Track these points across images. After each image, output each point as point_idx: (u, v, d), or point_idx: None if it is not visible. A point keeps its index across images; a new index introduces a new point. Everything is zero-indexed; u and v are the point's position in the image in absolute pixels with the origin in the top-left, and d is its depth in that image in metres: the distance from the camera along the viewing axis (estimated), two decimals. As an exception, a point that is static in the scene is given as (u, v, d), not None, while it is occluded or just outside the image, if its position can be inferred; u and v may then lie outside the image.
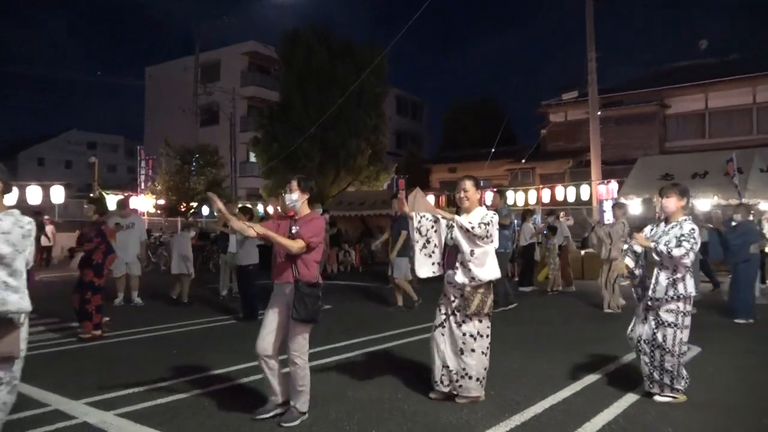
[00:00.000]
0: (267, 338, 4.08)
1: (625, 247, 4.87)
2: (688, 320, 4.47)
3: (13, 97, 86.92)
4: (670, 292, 4.40)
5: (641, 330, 4.58)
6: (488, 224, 4.42)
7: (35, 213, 15.43)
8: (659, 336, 4.45)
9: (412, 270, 5.53)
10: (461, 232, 4.42)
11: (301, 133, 22.48)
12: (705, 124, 23.33)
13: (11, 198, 5.45)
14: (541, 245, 12.83)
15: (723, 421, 4.15)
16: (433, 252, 4.61)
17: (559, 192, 17.96)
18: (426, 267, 4.61)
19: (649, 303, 4.51)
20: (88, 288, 7.12)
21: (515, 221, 15.19)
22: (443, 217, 4.62)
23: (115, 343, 6.89)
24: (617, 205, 9.67)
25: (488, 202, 12.34)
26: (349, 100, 21.65)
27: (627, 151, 22.38)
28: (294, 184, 4.19)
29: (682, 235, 4.41)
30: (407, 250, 8.81)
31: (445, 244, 4.60)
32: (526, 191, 19.21)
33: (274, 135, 23.99)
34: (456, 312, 4.49)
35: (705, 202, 15.34)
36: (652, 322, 4.51)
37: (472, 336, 4.45)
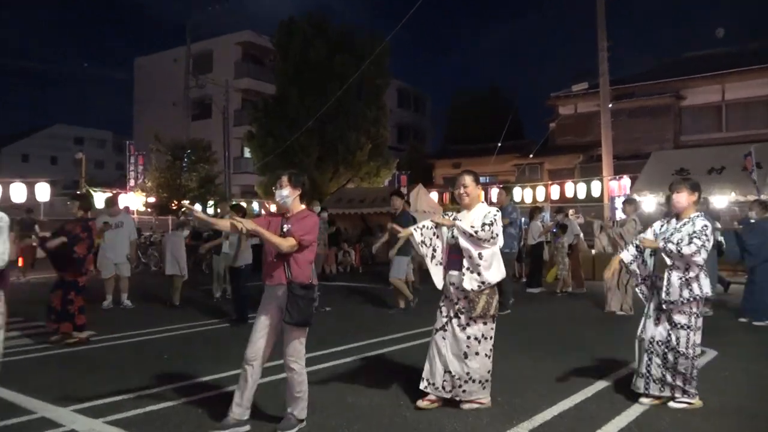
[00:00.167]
0: (257, 344, 4.06)
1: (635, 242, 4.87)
2: (700, 322, 4.49)
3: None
4: (685, 294, 4.40)
5: (653, 331, 4.59)
6: (491, 224, 4.42)
7: (27, 210, 15.45)
8: (672, 338, 4.47)
9: (418, 271, 5.51)
10: (465, 237, 4.43)
11: (297, 127, 22.48)
12: (722, 117, 23.32)
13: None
14: (549, 244, 12.83)
15: (740, 428, 4.16)
16: (442, 260, 4.63)
17: (569, 188, 17.99)
18: (441, 275, 4.62)
19: (663, 306, 4.51)
20: (71, 288, 7.09)
21: (522, 219, 15.25)
22: (443, 225, 4.61)
23: (103, 348, 6.91)
24: (628, 201, 9.67)
25: (494, 199, 12.34)
26: (348, 92, 21.65)
27: (640, 146, 22.37)
28: (284, 179, 4.18)
29: (694, 232, 4.42)
30: (408, 249, 8.82)
31: (447, 243, 4.62)
32: (534, 188, 19.21)
33: (269, 129, 23.99)
34: (459, 314, 4.49)
35: (722, 199, 15.36)
36: (666, 324, 4.52)
37: (476, 339, 4.46)
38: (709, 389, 4.87)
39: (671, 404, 4.51)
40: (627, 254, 4.81)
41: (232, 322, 8.45)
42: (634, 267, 4.77)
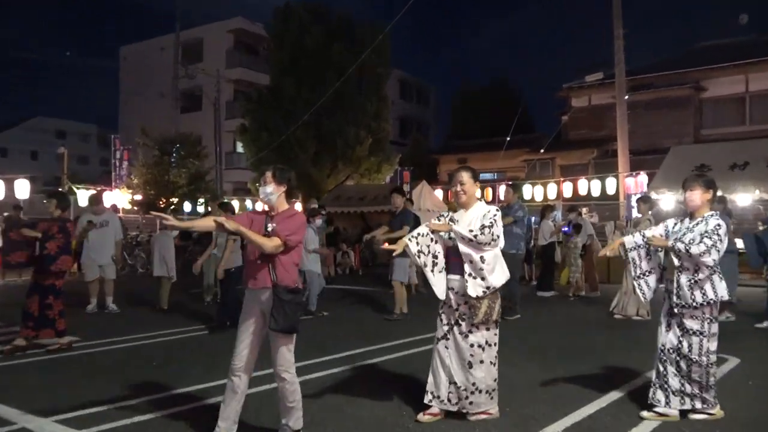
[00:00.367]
0: (243, 353, 4.04)
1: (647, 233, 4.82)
2: (715, 327, 4.47)
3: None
4: (698, 297, 4.39)
5: (664, 338, 4.60)
6: (491, 226, 4.41)
7: (14, 207, 15.42)
8: (684, 345, 4.47)
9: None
10: (464, 242, 4.41)
11: (293, 120, 22.48)
12: (745, 109, 23.28)
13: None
14: (561, 245, 12.84)
15: (765, 441, 4.15)
16: (443, 268, 4.61)
17: (582, 185, 17.97)
18: (444, 284, 4.57)
19: (675, 310, 4.52)
20: (49, 292, 7.03)
21: (533, 218, 15.24)
22: (440, 231, 4.58)
23: (86, 355, 6.91)
24: (643, 199, 9.66)
25: (502, 197, 12.32)
26: (347, 83, 21.65)
27: (658, 140, 22.35)
28: (269, 175, 4.14)
29: (706, 231, 4.41)
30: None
31: (445, 244, 4.61)
32: (545, 185, 19.21)
33: (263, 122, 24.00)
34: (460, 321, 4.49)
35: (745, 197, 15.32)
36: (677, 330, 4.52)
37: (480, 347, 4.46)
38: (731, 399, 4.87)
39: (691, 416, 4.50)
40: (630, 239, 4.80)
41: (226, 326, 8.34)
42: (633, 255, 4.74)
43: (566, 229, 12.38)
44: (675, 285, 4.47)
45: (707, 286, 4.40)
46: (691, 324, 4.46)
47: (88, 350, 7.12)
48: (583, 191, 17.96)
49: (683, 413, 4.52)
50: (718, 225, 4.42)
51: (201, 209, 21.85)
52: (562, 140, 26.40)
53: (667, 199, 15.87)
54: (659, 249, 4.66)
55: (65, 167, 20.68)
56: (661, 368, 4.58)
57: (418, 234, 4.64)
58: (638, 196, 13.93)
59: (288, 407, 4.08)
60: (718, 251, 4.35)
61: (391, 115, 27.34)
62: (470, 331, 4.46)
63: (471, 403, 4.48)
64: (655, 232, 4.75)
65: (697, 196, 4.58)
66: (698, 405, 4.48)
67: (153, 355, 6.83)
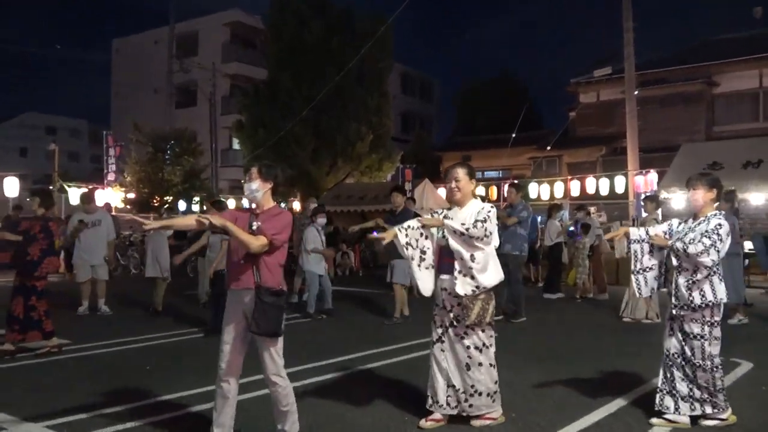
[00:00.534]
0: (229, 357, 4.03)
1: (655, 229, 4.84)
2: (717, 331, 4.47)
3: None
4: (696, 299, 4.40)
5: (668, 342, 4.62)
6: (485, 221, 4.41)
7: (15, 207, 15.42)
8: (686, 350, 4.49)
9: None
10: (455, 237, 4.42)
11: (291, 115, 22.49)
12: (759, 105, 23.29)
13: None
14: (568, 245, 12.85)
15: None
16: (433, 263, 4.62)
17: (590, 184, 17.95)
18: (431, 281, 4.59)
19: (674, 312, 4.55)
20: (31, 293, 7.03)
21: (539, 218, 15.25)
22: (431, 225, 4.59)
23: (78, 358, 6.93)
24: (650, 198, 9.67)
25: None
26: (347, 77, 21.64)
27: (669, 137, 22.34)
28: (254, 171, 4.13)
29: (706, 230, 4.42)
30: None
31: (436, 242, 4.62)
32: (551, 183, 19.19)
33: (260, 118, 24.00)
34: (455, 323, 4.50)
35: (758, 196, 15.32)
36: (679, 334, 4.55)
37: (477, 348, 4.47)
38: (745, 405, 4.88)
39: (703, 422, 4.51)
40: (635, 231, 4.82)
41: (208, 331, 8.26)
42: (636, 247, 4.75)
43: (572, 229, 12.38)
44: (673, 286, 4.51)
45: (706, 287, 4.41)
46: (691, 327, 4.47)
47: (79, 354, 7.14)
48: (591, 190, 17.94)
49: (694, 419, 4.52)
50: (719, 224, 4.42)
51: (196, 208, 21.87)
52: (569, 137, 26.40)
53: (678, 199, 15.86)
54: (662, 248, 4.68)
55: (56, 164, 20.73)
56: (668, 373, 4.59)
57: (409, 226, 4.62)
58: (647, 194, 13.96)
59: (282, 411, 4.08)
60: (718, 251, 4.35)
61: (392, 110, 27.35)
62: (465, 333, 4.47)
63: (471, 405, 4.50)
64: (658, 230, 4.77)
65: (700, 195, 4.60)
66: (708, 410, 4.49)
67: (146, 360, 6.84)
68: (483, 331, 4.49)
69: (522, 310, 9.33)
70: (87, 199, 10.92)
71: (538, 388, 5.55)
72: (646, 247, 4.73)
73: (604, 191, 17.64)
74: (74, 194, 17.93)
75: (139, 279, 14.28)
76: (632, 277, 4.78)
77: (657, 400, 4.62)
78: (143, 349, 7.53)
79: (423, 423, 4.53)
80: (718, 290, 4.42)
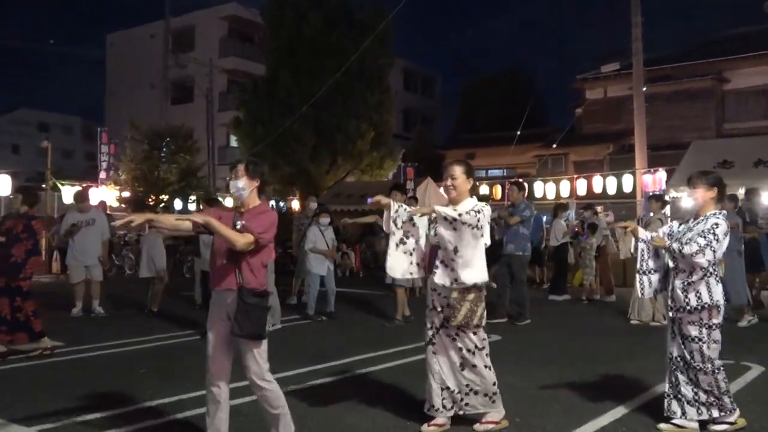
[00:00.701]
0: (217, 360, 4.01)
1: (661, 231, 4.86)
2: (715, 334, 4.46)
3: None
4: (693, 301, 4.40)
5: (671, 346, 4.64)
6: (478, 212, 4.41)
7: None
8: (686, 353, 4.50)
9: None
10: (445, 224, 4.38)
11: (290, 112, 22.48)
12: (771, 102, 23.26)
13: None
14: (574, 245, 12.85)
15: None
16: (413, 250, 4.62)
17: (597, 183, 17.96)
18: (402, 266, 4.62)
19: (671, 314, 4.57)
20: (16, 294, 7.01)
21: (544, 218, 15.25)
22: (422, 214, 4.59)
23: (71, 361, 6.94)
24: (655, 198, 9.67)
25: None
26: (347, 73, 21.62)
27: (678, 134, 22.35)
28: (241, 168, 4.10)
29: (702, 230, 4.43)
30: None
31: (428, 241, 4.62)
32: (557, 182, 19.20)
33: (258, 115, 23.99)
34: (445, 324, 4.51)
35: (770, 196, 15.28)
36: (678, 338, 4.56)
37: (469, 350, 4.47)
38: (756, 410, 4.88)
39: (711, 427, 4.51)
40: (644, 231, 4.85)
41: (204, 333, 8.30)
42: (643, 246, 4.77)
43: (585, 237, 12.30)
44: (670, 287, 4.53)
45: (702, 289, 4.41)
46: (689, 330, 4.47)
47: (72, 356, 7.15)
48: (597, 189, 17.94)
49: (702, 424, 4.52)
50: (716, 224, 4.42)
51: (192, 207, 21.88)
52: (575, 134, 26.40)
53: (687, 198, 15.85)
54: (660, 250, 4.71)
55: (49, 162, 20.71)
56: (673, 378, 4.60)
57: (402, 207, 4.68)
58: (654, 193, 13.94)
59: (273, 415, 4.04)
60: (714, 251, 4.34)
61: (394, 107, 27.32)
62: (456, 335, 4.48)
63: (467, 404, 4.52)
64: (660, 232, 4.79)
65: (699, 194, 4.60)
66: (715, 413, 4.48)
67: (140, 362, 6.85)
68: (475, 333, 4.48)
69: (527, 312, 9.34)
70: (80, 197, 10.91)
71: (543, 391, 5.56)
72: (653, 247, 4.74)
73: (612, 190, 17.63)
74: (68, 192, 17.94)
75: (133, 280, 14.29)
76: (637, 276, 4.81)
77: (665, 405, 4.62)
78: (138, 351, 7.54)
79: (425, 428, 4.54)
80: (714, 292, 4.42)
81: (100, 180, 23.08)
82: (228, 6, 36.18)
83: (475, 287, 4.44)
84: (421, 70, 45.69)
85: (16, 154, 48.75)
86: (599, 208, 13.56)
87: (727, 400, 4.47)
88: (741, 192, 14.66)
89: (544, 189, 19.07)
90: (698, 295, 4.41)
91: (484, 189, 19.43)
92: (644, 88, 17.45)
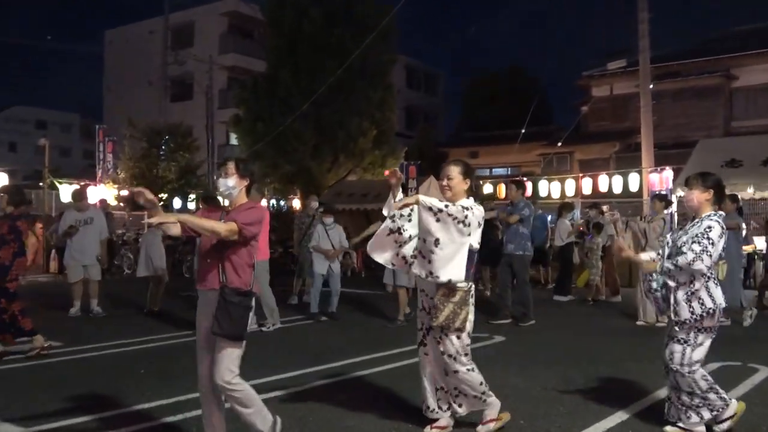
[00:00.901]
0: (206, 361, 3.99)
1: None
2: (702, 338, 4.40)
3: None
4: (697, 309, 4.34)
5: (663, 351, 4.61)
6: (468, 209, 4.38)
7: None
8: (666, 352, 4.48)
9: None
10: (429, 214, 4.30)
11: (291, 110, 22.48)
12: (780, 100, 23.21)
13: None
14: (579, 245, 12.85)
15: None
16: (405, 243, 4.53)
17: (603, 182, 17.93)
18: (385, 252, 4.59)
19: (676, 328, 4.48)
20: (0, 296, 6.94)
21: (549, 217, 15.25)
22: (405, 204, 4.45)
23: (69, 361, 6.97)
24: (658, 197, 9.68)
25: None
26: (349, 70, 21.61)
27: (685, 133, 22.32)
28: (231, 166, 4.06)
29: (696, 235, 4.38)
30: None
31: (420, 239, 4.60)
32: (562, 181, 19.16)
33: (258, 113, 23.99)
34: (430, 324, 4.51)
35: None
36: (666, 338, 4.57)
37: (450, 356, 4.42)
38: (765, 413, 4.89)
39: (716, 428, 4.48)
40: (646, 255, 4.82)
41: None
42: (647, 256, 4.77)
43: (590, 236, 12.29)
44: (673, 301, 4.43)
45: (704, 295, 4.37)
46: (675, 332, 4.45)
47: (70, 356, 7.17)
48: (603, 188, 17.90)
49: (708, 427, 4.50)
50: (709, 227, 4.37)
51: (192, 206, 21.91)
52: (581, 133, 26.35)
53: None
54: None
55: (46, 160, 20.74)
56: (669, 382, 4.60)
57: (409, 207, 4.50)
58: (656, 192, 13.92)
59: (249, 413, 3.94)
60: (710, 255, 4.29)
61: (396, 104, 27.31)
62: (440, 338, 4.45)
63: (460, 405, 4.55)
64: (668, 237, 4.74)
65: (694, 196, 4.55)
66: (707, 414, 4.42)
67: (139, 363, 6.87)
68: (458, 338, 4.42)
69: (531, 312, 9.35)
70: (78, 196, 10.91)
71: (547, 393, 5.57)
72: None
73: (618, 189, 17.60)
74: (66, 191, 17.96)
75: (132, 279, 14.31)
76: (649, 294, 4.72)
77: (665, 409, 4.62)
78: (137, 351, 7.56)
79: (428, 430, 4.56)
80: (715, 296, 4.39)
81: (98, 178, 23.11)
82: (228, 1, 36.13)
83: (461, 289, 4.38)
84: (424, 67, 45.64)
85: (13, 152, 48.80)
86: (605, 208, 13.54)
87: (713, 396, 4.39)
88: (750, 191, 14.68)
89: (548, 188, 19.02)
90: (701, 302, 4.36)
91: (488, 188, 19.41)
92: (651, 86, 17.40)
